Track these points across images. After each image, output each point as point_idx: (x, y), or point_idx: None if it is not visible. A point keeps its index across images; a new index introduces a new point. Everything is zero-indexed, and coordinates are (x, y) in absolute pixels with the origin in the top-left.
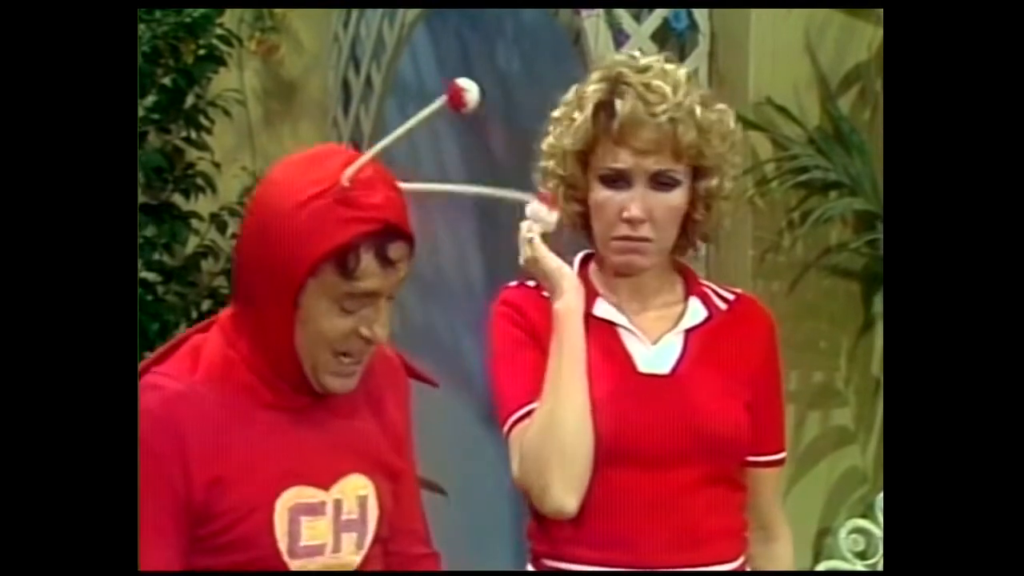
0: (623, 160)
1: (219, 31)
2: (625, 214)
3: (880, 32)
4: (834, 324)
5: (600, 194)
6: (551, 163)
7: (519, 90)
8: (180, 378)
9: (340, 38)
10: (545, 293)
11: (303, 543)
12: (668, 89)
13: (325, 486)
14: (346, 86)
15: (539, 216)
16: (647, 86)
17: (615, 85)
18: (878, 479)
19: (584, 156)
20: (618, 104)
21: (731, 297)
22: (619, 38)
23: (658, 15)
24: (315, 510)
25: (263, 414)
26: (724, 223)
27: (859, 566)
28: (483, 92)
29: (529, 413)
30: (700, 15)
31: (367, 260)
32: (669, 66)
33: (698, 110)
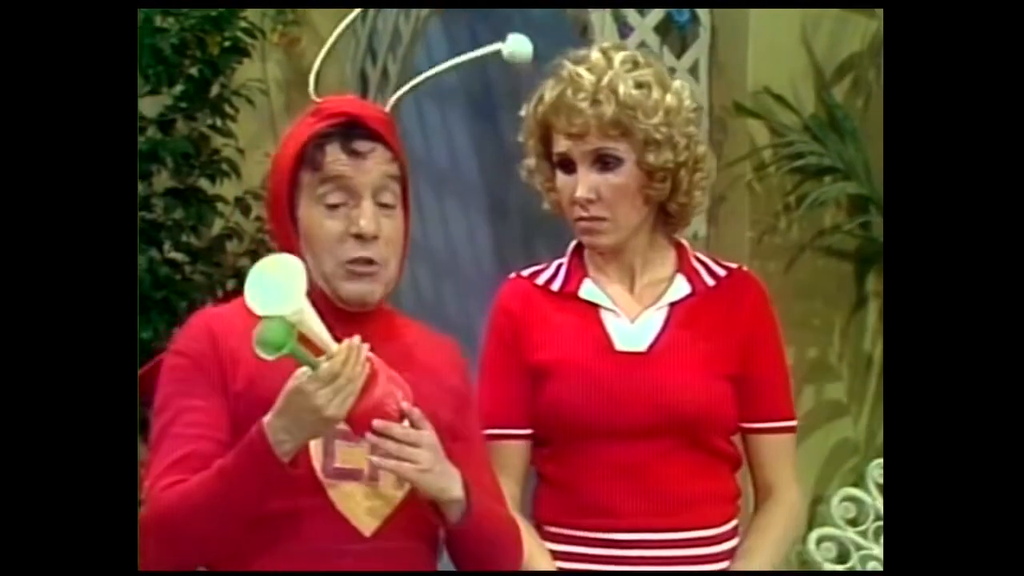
0: (561, 144)
1: (243, 24)
2: (573, 196)
3: (873, 24)
4: (828, 303)
5: (558, 180)
6: (526, 158)
7: (528, 79)
8: (223, 308)
9: (358, 31)
10: (539, 281)
11: (337, 464)
12: (587, 75)
13: None
14: (363, 77)
15: (520, 47)
16: (572, 74)
17: (553, 78)
18: (869, 450)
19: (543, 147)
20: (545, 94)
21: (722, 273)
22: (623, 30)
23: (661, 9)
24: (350, 437)
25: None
26: (696, 198)
27: (850, 532)
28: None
29: (506, 436)
30: (701, 9)
31: (333, 151)
32: (598, 54)
33: (622, 88)
